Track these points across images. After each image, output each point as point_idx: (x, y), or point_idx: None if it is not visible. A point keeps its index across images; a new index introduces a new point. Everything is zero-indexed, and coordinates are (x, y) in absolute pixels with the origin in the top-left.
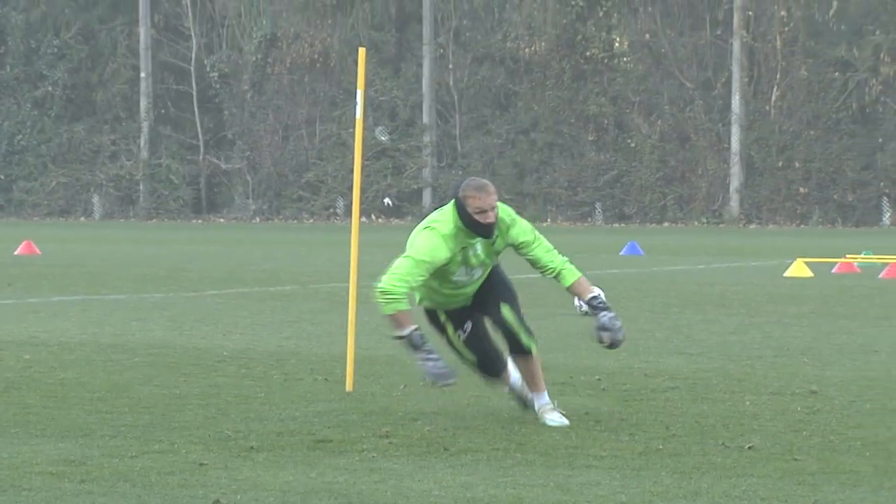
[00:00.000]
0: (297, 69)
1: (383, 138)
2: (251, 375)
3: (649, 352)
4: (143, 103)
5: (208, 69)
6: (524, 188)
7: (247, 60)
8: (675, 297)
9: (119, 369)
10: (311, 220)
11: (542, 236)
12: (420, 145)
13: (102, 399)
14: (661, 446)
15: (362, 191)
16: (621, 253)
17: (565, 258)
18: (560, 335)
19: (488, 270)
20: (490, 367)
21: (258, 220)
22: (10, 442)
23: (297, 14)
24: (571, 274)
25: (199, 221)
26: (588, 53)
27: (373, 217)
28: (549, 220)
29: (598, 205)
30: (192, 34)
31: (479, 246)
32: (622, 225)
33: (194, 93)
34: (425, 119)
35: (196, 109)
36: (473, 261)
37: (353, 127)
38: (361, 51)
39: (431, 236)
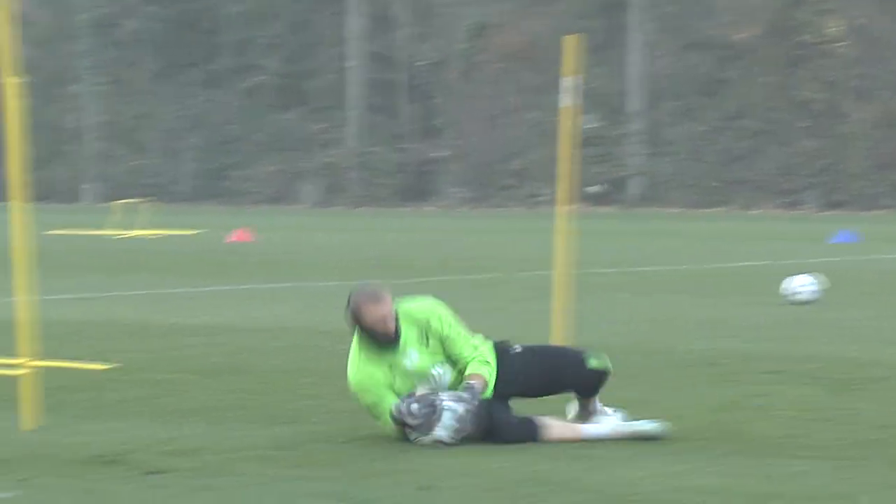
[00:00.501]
0: (505, 57)
1: (591, 126)
2: None
3: (864, 340)
4: (353, 92)
5: (417, 58)
6: (732, 175)
7: (455, 49)
8: (891, 285)
9: (329, 356)
10: (518, 208)
11: (460, 327)
12: (627, 133)
13: (313, 385)
14: (875, 437)
15: (569, 178)
16: (833, 240)
17: (482, 353)
18: (770, 324)
19: (462, 366)
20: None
21: (465, 207)
22: (224, 427)
23: (506, 2)
24: (476, 366)
25: (408, 209)
26: (800, 39)
27: (579, 205)
28: (759, 207)
29: (808, 192)
30: (402, 23)
31: (411, 352)
32: (833, 212)
33: (404, 82)
34: (633, 106)
35: (405, 98)
36: (416, 369)
37: (560, 115)
38: (570, 38)
39: (352, 366)
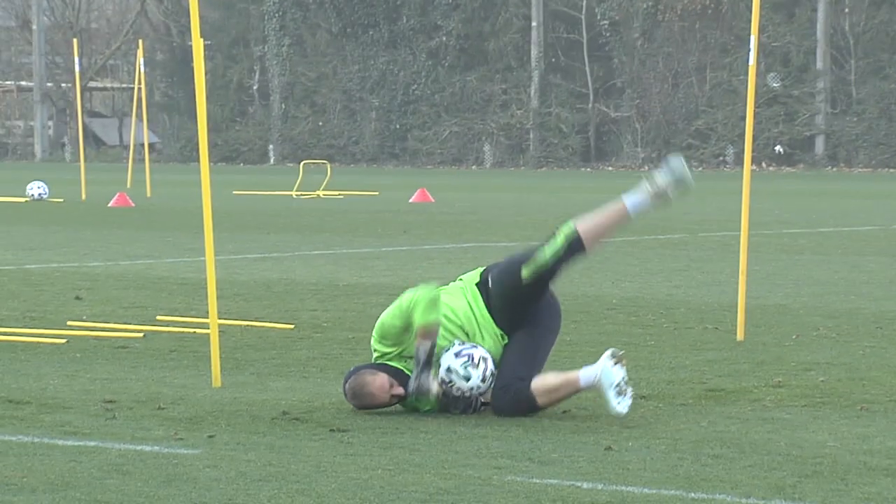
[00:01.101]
0: (688, 16)
1: (775, 84)
2: (641, 323)
3: None
4: (535, 52)
5: (599, 17)
6: None
7: (637, 8)
8: None
9: None
10: (701, 168)
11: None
12: (813, 91)
13: None
14: None
15: (753, 138)
16: None
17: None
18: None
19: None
20: None
21: (647, 168)
22: None
23: None
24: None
25: (588, 170)
26: None
27: (763, 165)
28: None
29: None
30: None
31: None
32: None
33: (584, 41)
34: (819, 64)
35: (586, 58)
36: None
37: (745, 74)
38: None
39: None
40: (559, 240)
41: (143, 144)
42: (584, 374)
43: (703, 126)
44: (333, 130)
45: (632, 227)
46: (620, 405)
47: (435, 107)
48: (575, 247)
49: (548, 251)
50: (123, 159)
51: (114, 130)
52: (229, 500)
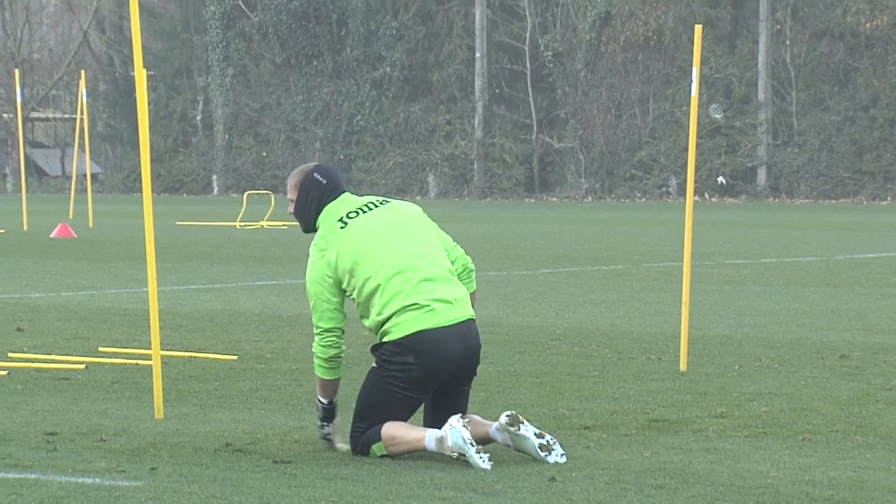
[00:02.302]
0: (631, 47)
1: (717, 116)
2: (584, 354)
3: None
4: (478, 83)
5: (542, 48)
6: (863, 166)
7: (581, 39)
8: None
9: None
10: (644, 199)
11: None
12: (755, 123)
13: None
14: None
15: (696, 169)
16: None
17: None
18: None
19: None
20: None
21: (590, 198)
22: (350, 416)
23: None
24: None
25: (532, 200)
26: None
27: (706, 195)
28: (889, 198)
29: None
30: (527, 14)
31: None
32: None
33: (528, 72)
34: (761, 96)
35: (530, 89)
36: None
37: (687, 105)
38: (698, 28)
39: None
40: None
41: (85, 175)
42: (429, 436)
43: (646, 157)
44: (277, 161)
45: (575, 257)
46: (485, 463)
47: (379, 137)
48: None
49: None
50: (66, 190)
51: (56, 161)
52: None
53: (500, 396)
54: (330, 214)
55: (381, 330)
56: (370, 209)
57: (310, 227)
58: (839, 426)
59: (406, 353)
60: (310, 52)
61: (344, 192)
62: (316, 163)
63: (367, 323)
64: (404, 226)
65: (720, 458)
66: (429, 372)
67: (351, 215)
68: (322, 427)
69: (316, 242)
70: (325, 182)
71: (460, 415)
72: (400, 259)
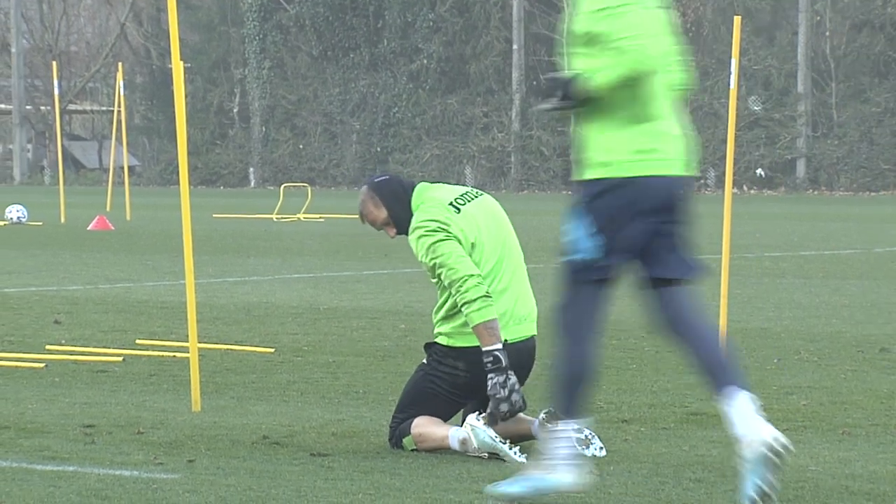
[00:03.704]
0: None
1: (756, 108)
2: (623, 347)
3: None
4: (516, 75)
5: None
6: None
7: None
8: None
9: None
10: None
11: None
12: (794, 115)
13: None
14: None
15: (734, 161)
16: None
17: None
18: None
19: None
20: None
21: None
22: (390, 410)
23: None
24: None
25: (570, 193)
26: None
27: (744, 188)
28: None
29: None
30: (565, 5)
31: None
32: None
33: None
34: (800, 88)
35: None
36: None
37: (726, 97)
38: (736, 19)
39: None
40: None
41: (122, 167)
42: (452, 436)
43: None
44: (314, 153)
45: None
46: (519, 457)
47: (416, 130)
48: None
49: None
50: (103, 182)
51: (93, 153)
52: None
53: (538, 390)
54: (428, 200)
55: (446, 323)
56: (474, 197)
57: (409, 222)
58: (879, 420)
59: (457, 360)
60: (346, 44)
61: (412, 181)
62: (364, 185)
63: (442, 299)
64: (498, 225)
65: None
66: (476, 383)
67: (459, 201)
68: (508, 379)
69: (425, 223)
70: (387, 177)
71: (478, 412)
72: (491, 262)
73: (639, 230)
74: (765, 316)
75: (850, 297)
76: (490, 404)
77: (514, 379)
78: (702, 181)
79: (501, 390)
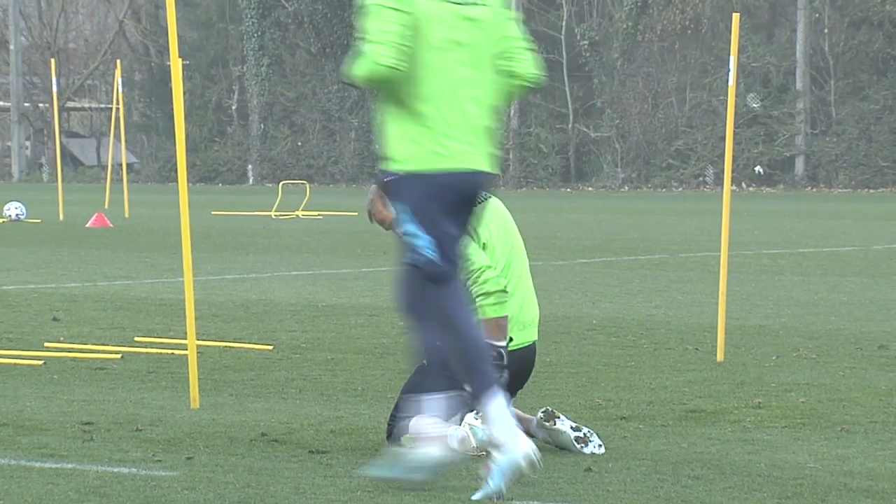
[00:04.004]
0: (668, 36)
1: (755, 105)
2: (621, 344)
3: None
4: None
5: (578, 37)
6: None
7: (617, 28)
8: None
9: None
10: (680, 189)
11: None
12: (793, 112)
13: None
14: None
15: (733, 159)
16: None
17: None
18: None
19: None
20: None
21: (626, 188)
22: (388, 407)
23: None
24: None
25: (568, 190)
26: None
27: (743, 185)
28: None
29: None
30: (563, 2)
31: None
32: None
33: (564, 61)
34: (798, 85)
35: (566, 78)
36: None
37: (725, 94)
38: (735, 16)
39: None
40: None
41: (121, 164)
42: (451, 436)
43: (683, 146)
44: (312, 150)
45: (611, 247)
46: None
47: None
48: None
49: None
50: (101, 179)
51: (91, 150)
52: None
53: (537, 387)
54: None
55: None
56: (482, 200)
57: None
58: (878, 417)
59: None
60: (345, 41)
61: None
62: (373, 183)
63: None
64: (506, 229)
65: (757, 449)
66: None
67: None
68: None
69: None
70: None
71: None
72: (499, 266)
73: (449, 223)
74: (763, 313)
75: (848, 295)
76: None
77: (506, 378)
78: (700, 178)
79: None
